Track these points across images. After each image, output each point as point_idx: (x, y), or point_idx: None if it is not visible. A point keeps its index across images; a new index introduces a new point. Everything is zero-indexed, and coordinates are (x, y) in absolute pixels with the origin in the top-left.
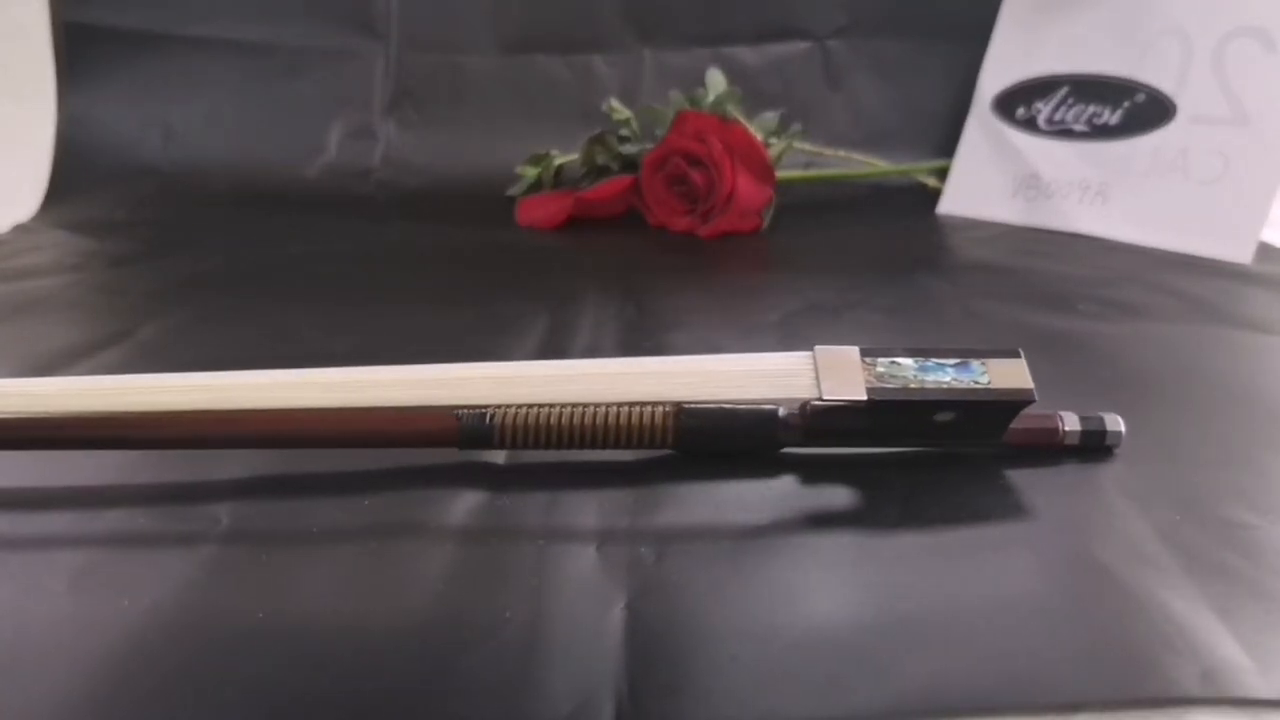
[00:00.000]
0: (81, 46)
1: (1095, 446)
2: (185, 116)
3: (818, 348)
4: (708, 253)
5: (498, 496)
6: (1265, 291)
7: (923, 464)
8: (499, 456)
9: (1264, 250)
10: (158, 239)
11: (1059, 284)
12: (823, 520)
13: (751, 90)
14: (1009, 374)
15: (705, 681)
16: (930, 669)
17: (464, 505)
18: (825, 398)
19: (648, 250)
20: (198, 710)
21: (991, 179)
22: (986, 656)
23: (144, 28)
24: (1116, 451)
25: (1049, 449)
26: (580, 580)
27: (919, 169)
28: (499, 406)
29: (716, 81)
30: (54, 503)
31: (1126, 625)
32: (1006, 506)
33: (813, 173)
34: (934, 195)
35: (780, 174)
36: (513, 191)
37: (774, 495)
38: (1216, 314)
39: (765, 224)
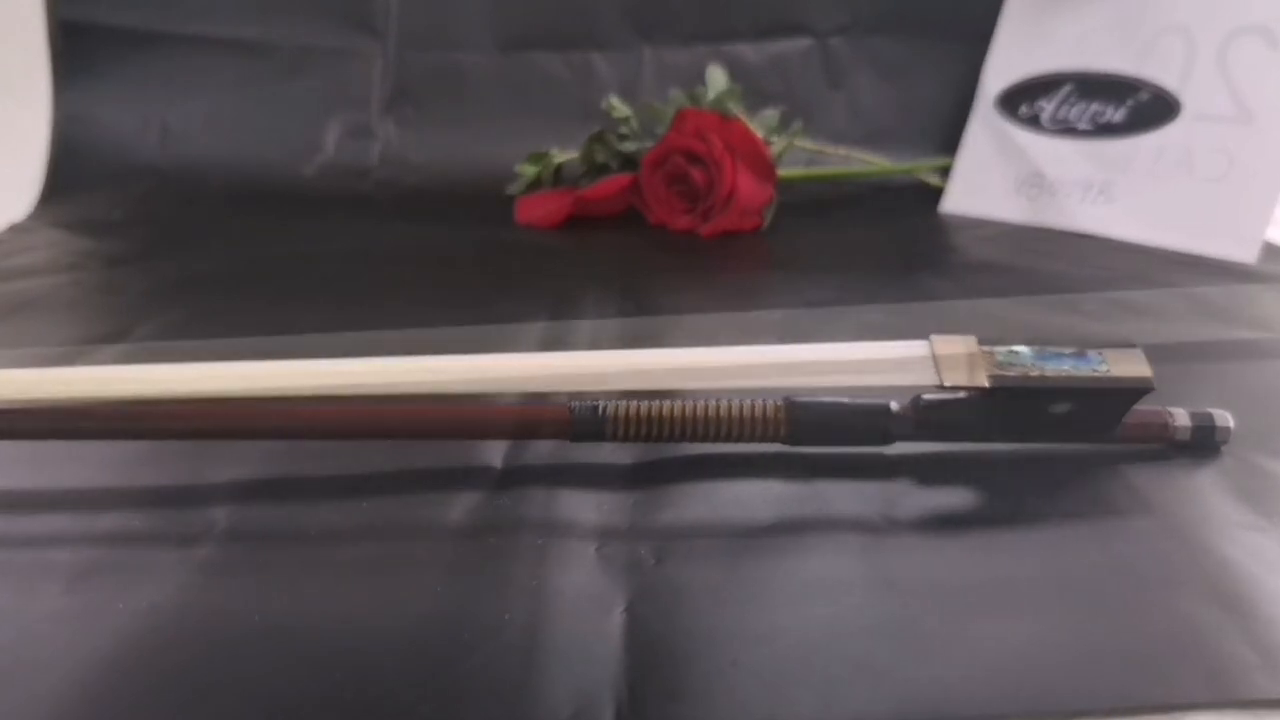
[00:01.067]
0: (77, 44)
1: (1205, 443)
2: (182, 115)
3: (934, 336)
4: (708, 252)
5: (497, 496)
6: (1270, 291)
7: (923, 464)
8: (497, 458)
9: (1269, 249)
10: (154, 238)
11: (1062, 283)
12: (824, 521)
13: (752, 88)
14: (1127, 363)
15: (706, 685)
16: (933, 673)
17: (464, 505)
18: (947, 385)
19: (648, 249)
20: (197, 711)
21: (995, 177)
22: (989, 660)
23: (140, 26)
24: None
25: (1160, 443)
26: (580, 582)
27: (921, 167)
28: (611, 398)
29: (717, 79)
30: (52, 504)
31: (1128, 624)
32: (1005, 506)
33: (814, 171)
34: (937, 193)
35: (781, 172)
36: (512, 190)
37: (775, 495)
38: (1221, 313)
39: (766, 223)
